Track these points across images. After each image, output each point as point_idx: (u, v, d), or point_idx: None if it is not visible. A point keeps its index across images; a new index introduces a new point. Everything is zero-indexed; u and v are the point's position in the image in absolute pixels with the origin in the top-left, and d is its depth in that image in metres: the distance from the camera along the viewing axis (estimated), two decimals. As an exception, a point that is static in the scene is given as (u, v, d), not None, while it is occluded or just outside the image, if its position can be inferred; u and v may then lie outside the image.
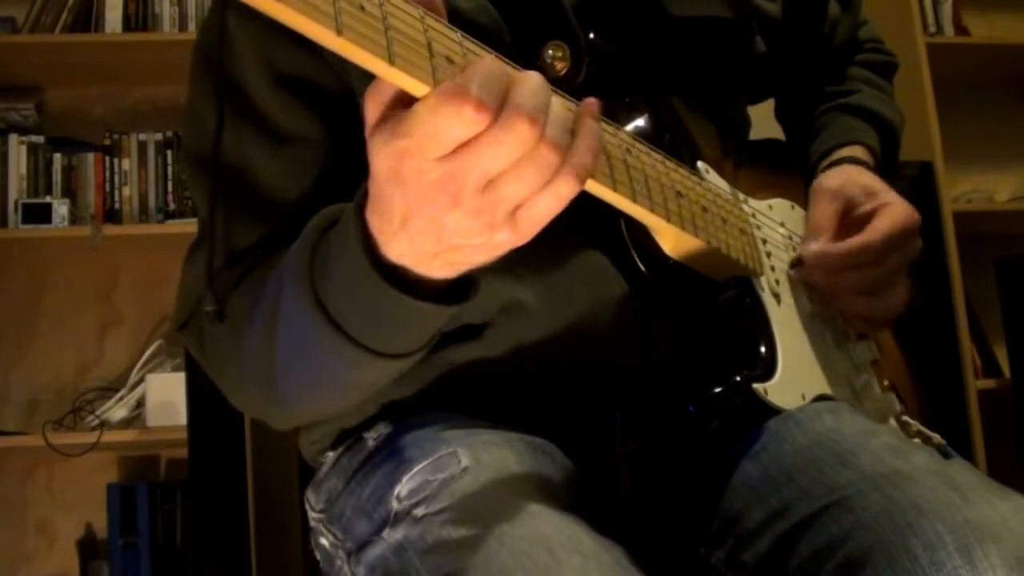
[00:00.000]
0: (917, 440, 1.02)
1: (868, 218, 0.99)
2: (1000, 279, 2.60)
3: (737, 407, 0.88)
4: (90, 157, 2.67)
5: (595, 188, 0.73)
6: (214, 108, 0.83)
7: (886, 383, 1.08)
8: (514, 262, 0.85)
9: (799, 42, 1.15)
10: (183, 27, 2.67)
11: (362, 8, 0.56)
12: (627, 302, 0.90)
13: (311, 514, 0.94)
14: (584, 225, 0.87)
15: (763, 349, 0.91)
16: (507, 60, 0.66)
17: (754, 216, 0.99)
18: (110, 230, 2.55)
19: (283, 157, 0.87)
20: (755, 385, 0.88)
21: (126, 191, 2.67)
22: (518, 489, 0.78)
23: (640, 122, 0.91)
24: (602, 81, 0.89)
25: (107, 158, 2.68)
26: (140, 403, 2.46)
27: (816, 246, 0.98)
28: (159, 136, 2.70)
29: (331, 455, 0.95)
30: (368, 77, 0.60)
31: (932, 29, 2.91)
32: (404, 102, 0.60)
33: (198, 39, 0.92)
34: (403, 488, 0.80)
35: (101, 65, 2.67)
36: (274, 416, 0.89)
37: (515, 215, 0.61)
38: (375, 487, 0.84)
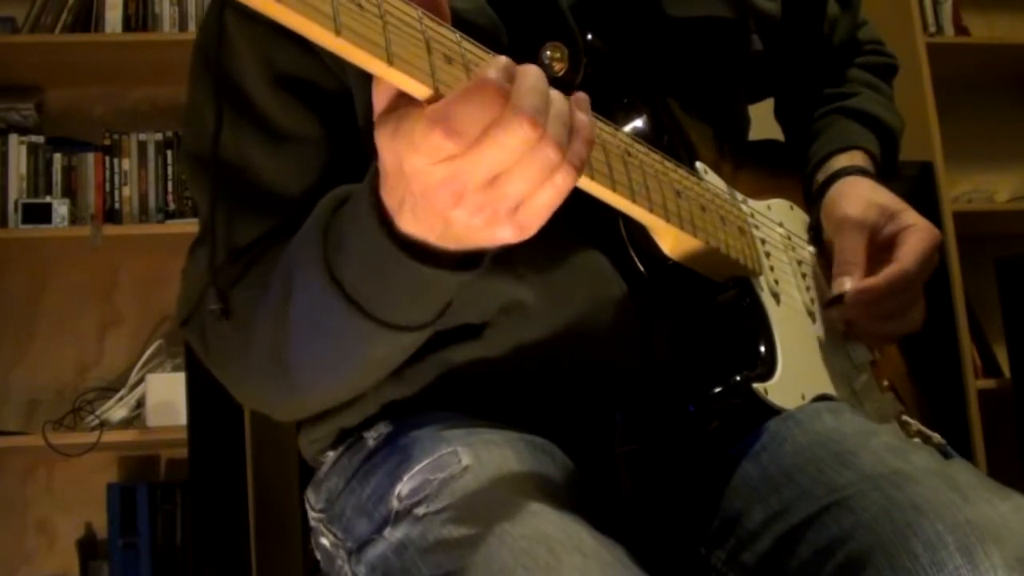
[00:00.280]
0: (917, 440, 1.02)
1: (892, 240, 1.00)
2: (1000, 279, 2.60)
3: (737, 407, 0.88)
4: (90, 157, 2.67)
5: (594, 188, 0.73)
6: (213, 107, 0.83)
7: (885, 383, 1.08)
8: (514, 262, 0.86)
9: (798, 41, 1.15)
10: (183, 27, 2.67)
11: (360, 8, 0.56)
12: (626, 302, 0.90)
13: (311, 514, 0.94)
14: (583, 225, 0.87)
15: (763, 349, 0.91)
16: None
17: (752, 216, 0.99)
18: (110, 230, 2.55)
19: (283, 155, 0.87)
20: (755, 385, 0.88)
21: (126, 191, 2.67)
22: (519, 488, 0.78)
23: (638, 123, 0.91)
24: (600, 82, 0.89)
25: (107, 158, 2.68)
26: (140, 403, 2.46)
27: (855, 283, 0.98)
28: (159, 136, 2.71)
29: (331, 455, 0.95)
30: (365, 78, 0.60)
31: (932, 29, 2.91)
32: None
33: (197, 39, 0.92)
34: (404, 487, 0.80)
35: (101, 65, 2.67)
36: (282, 406, 0.88)
37: (517, 210, 0.62)
38: (375, 486, 0.84)
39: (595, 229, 0.89)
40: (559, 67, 0.84)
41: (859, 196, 1.04)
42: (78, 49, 2.62)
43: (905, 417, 1.06)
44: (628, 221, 0.87)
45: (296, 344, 0.78)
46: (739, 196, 0.99)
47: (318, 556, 0.92)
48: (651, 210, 0.80)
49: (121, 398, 2.50)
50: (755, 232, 0.98)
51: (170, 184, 2.69)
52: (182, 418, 2.23)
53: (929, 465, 0.77)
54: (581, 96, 0.65)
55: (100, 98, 2.79)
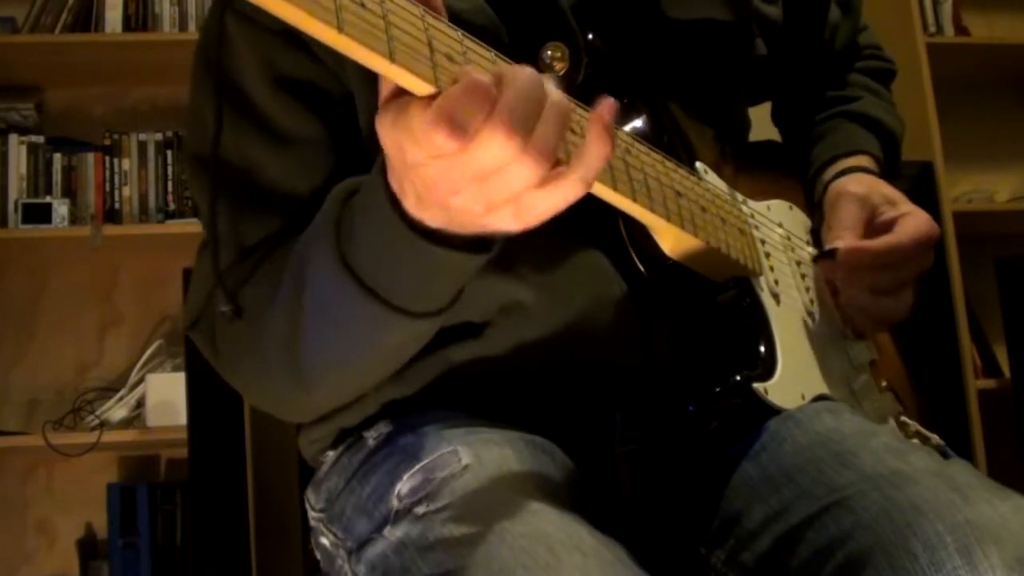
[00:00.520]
0: (915, 441, 1.02)
1: (890, 225, 1.01)
2: (1000, 279, 2.60)
3: (737, 407, 0.88)
4: (90, 157, 2.67)
5: (595, 187, 0.73)
6: (214, 109, 0.83)
7: (884, 384, 1.08)
8: (514, 262, 0.86)
9: (799, 46, 1.15)
10: (183, 27, 2.67)
11: (363, 5, 0.57)
12: (626, 302, 0.90)
13: (311, 513, 0.94)
14: (583, 225, 0.87)
15: (763, 349, 0.91)
16: (507, 60, 0.67)
17: (752, 217, 0.99)
18: (110, 230, 2.55)
19: (287, 156, 0.87)
20: (755, 385, 0.88)
21: (126, 191, 2.67)
22: (518, 487, 0.78)
23: (638, 123, 0.91)
24: (601, 82, 0.89)
25: (107, 158, 2.68)
26: (140, 403, 2.46)
27: (849, 242, 1.00)
28: (159, 136, 2.70)
29: (331, 454, 0.95)
30: (367, 80, 0.61)
31: (932, 29, 2.91)
32: None
33: (199, 41, 0.92)
34: (404, 486, 0.80)
35: (101, 65, 2.67)
36: (294, 405, 0.88)
37: (519, 202, 0.62)
38: (375, 486, 0.84)
39: (595, 229, 0.89)
40: (560, 67, 0.84)
41: (862, 180, 1.06)
42: (78, 49, 2.62)
43: (904, 418, 1.06)
44: (628, 221, 0.87)
45: (310, 336, 0.78)
46: (739, 197, 0.99)
47: (318, 556, 0.93)
48: (652, 209, 0.80)
49: (121, 398, 2.50)
50: (755, 233, 0.98)
51: (170, 184, 2.69)
52: (182, 418, 2.23)
53: (929, 465, 0.77)
54: (601, 114, 0.63)
55: (100, 98, 2.79)
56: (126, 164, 2.68)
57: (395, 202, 0.68)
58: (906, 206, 1.03)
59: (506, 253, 0.70)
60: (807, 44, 1.17)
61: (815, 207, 1.10)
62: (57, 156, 2.65)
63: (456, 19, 0.65)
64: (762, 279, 0.96)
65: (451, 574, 0.71)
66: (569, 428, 0.89)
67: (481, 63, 0.64)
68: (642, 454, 0.90)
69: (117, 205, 2.66)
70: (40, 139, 2.65)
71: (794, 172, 1.14)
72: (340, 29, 0.55)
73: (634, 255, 0.90)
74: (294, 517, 1.87)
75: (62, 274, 2.70)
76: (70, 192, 2.64)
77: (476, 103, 0.58)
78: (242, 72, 0.87)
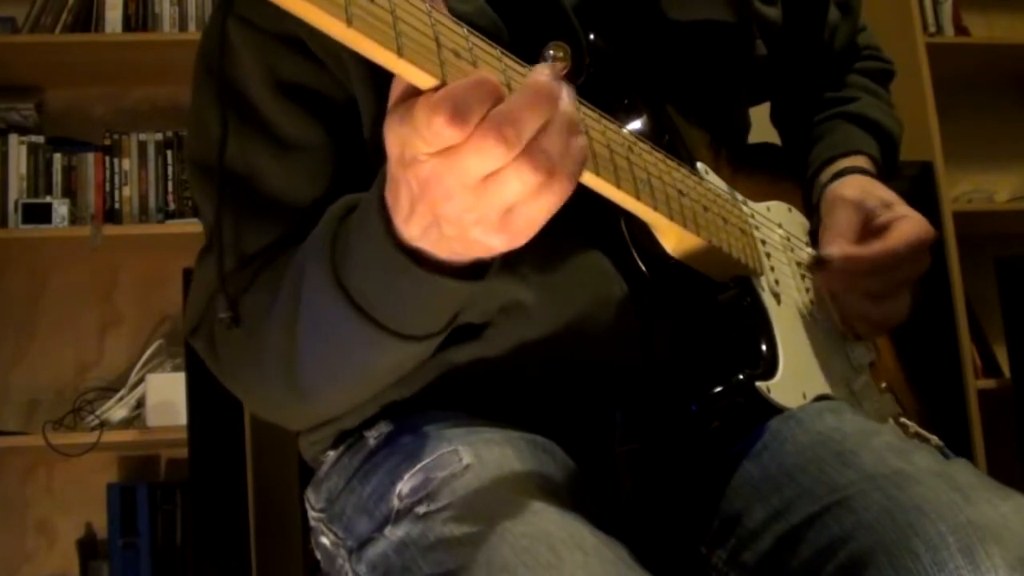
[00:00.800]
0: (915, 441, 1.02)
1: (885, 228, 1.01)
2: (1000, 279, 2.60)
3: (739, 406, 0.88)
4: (90, 157, 2.67)
5: (599, 185, 0.74)
6: (217, 115, 0.83)
7: (883, 385, 1.08)
8: (515, 262, 0.86)
9: (799, 47, 1.15)
10: (183, 27, 2.67)
11: (372, 0, 0.57)
12: (627, 302, 0.90)
13: (311, 513, 0.94)
14: (584, 225, 0.87)
15: (764, 348, 0.91)
16: (513, 57, 0.67)
17: (753, 217, 0.99)
18: (110, 230, 2.55)
19: (290, 163, 0.87)
20: (758, 383, 0.88)
21: (126, 191, 2.67)
22: (519, 487, 0.78)
23: (640, 123, 0.91)
24: (603, 82, 0.89)
25: (107, 158, 2.68)
26: (140, 403, 2.46)
27: (843, 249, 1.00)
28: (159, 136, 2.71)
29: (331, 454, 0.95)
30: (370, 86, 0.60)
31: (932, 29, 2.91)
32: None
33: (200, 46, 0.92)
34: (404, 486, 0.80)
35: (101, 65, 2.67)
36: (292, 414, 0.89)
37: (509, 217, 0.61)
38: (376, 485, 0.84)
39: (596, 228, 0.89)
40: (562, 66, 0.84)
41: (857, 185, 1.06)
42: (78, 49, 2.62)
43: (903, 419, 1.06)
44: (629, 220, 0.87)
45: (305, 352, 0.78)
46: (739, 197, 0.99)
47: (318, 556, 0.92)
48: (655, 208, 0.80)
49: (121, 398, 2.50)
50: (756, 233, 0.98)
51: (170, 184, 2.69)
52: (182, 418, 2.23)
53: (930, 465, 0.77)
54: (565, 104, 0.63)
55: (100, 98, 2.79)
56: (126, 164, 2.68)
57: (389, 226, 0.67)
58: (901, 208, 1.03)
59: (507, 253, 0.69)
60: (806, 45, 1.17)
61: (813, 208, 1.10)
62: (57, 156, 2.65)
63: (457, 20, 0.66)
64: (763, 279, 0.96)
65: (452, 573, 0.71)
66: (570, 428, 0.89)
67: (487, 59, 0.64)
68: (642, 454, 0.90)
69: (117, 205, 2.66)
70: (40, 139, 2.65)
71: (792, 174, 1.14)
72: (349, 23, 0.55)
73: (636, 254, 0.90)
74: (294, 517, 1.87)
75: (62, 274, 2.70)
76: (70, 192, 2.64)
77: (481, 95, 0.58)
78: (245, 78, 0.87)
